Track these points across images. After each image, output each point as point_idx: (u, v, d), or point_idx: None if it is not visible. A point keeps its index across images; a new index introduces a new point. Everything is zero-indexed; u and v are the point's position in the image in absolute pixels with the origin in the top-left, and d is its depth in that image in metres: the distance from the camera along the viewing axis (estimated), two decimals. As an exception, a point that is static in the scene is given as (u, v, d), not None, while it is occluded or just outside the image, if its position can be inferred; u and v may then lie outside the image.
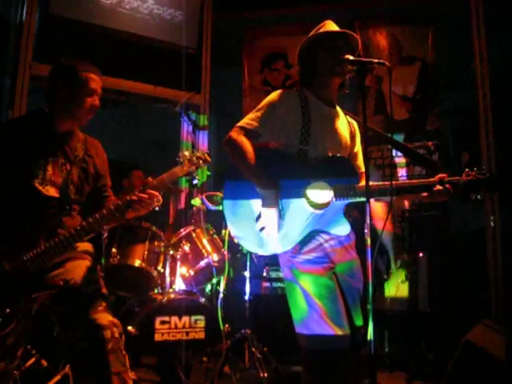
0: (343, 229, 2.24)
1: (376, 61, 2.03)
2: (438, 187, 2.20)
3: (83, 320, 2.09)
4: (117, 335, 2.12)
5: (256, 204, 2.22)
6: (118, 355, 2.10)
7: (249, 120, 2.32)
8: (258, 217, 2.18)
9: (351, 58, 2.13)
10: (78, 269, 2.23)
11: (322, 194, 2.19)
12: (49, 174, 2.23)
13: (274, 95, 2.36)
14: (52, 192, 2.23)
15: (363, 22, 5.43)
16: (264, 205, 2.17)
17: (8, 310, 2.05)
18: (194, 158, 2.38)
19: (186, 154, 2.40)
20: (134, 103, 5.24)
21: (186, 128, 5.35)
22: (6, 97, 4.28)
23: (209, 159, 2.42)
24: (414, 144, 5.03)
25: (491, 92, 4.73)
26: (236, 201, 2.26)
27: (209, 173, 4.74)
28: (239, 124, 2.32)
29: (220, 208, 2.34)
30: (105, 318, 2.12)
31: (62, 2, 4.43)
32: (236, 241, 2.29)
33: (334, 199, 2.18)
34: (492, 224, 4.58)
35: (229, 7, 5.49)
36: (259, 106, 2.35)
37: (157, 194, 2.28)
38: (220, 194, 2.50)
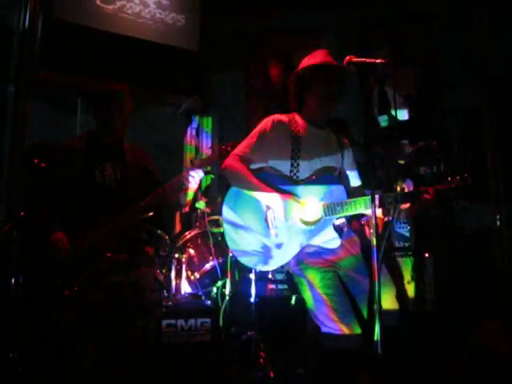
0: (333, 242, 2.40)
1: (378, 61, 2.05)
2: (425, 196, 2.29)
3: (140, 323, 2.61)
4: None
5: (254, 221, 2.39)
6: None
7: (242, 148, 2.51)
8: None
9: (354, 59, 2.16)
10: (149, 275, 2.82)
11: (312, 211, 2.30)
12: (107, 174, 2.77)
13: (264, 123, 2.56)
14: (111, 184, 2.77)
15: (364, 22, 5.43)
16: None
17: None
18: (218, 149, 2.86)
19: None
20: (137, 107, 5.25)
21: (189, 131, 5.37)
22: (10, 103, 4.30)
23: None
24: (418, 144, 5.02)
25: (495, 90, 4.73)
26: (235, 220, 2.41)
27: (213, 176, 4.74)
28: (234, 152, 2.52)
29: (221, 230, 2.57)
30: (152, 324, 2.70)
31: (65, 8, 4.45)
32: (241, 261, 2.43)
33: (323, 216, 2.27)
34: (498, 223, 4.57)
35: (231, 10, 5.50)
36: (251, 134, 2.57)
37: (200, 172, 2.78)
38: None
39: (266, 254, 2.36)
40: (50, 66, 4.35)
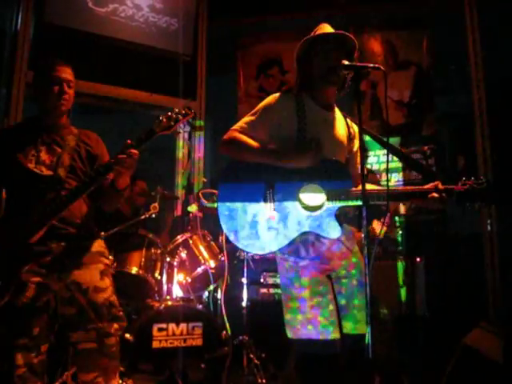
0: (334, 232, 2.23)
1: (371, 65, 2.03)
2: (434, 195, 2.21)
3: (93, 326, 2.32)
4: (117, 340, 2.41)
5: (253, 206, 2.24)
6: (117, 360, 2.41)
7: (243, 123, 2.34)
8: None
9: (346, 62, 2.13)
10: (93, 274, 2.42)
11: (314, 196, 2.21)
12: (41, 159, 2.42)
13: (270, 99, 2.38)
14: (45, 171, 2.40)
15: (358, 28, 5.45)
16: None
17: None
18: (173, 114, 2.45)
19: (169, 113, 2.46)
20: (130, 110, 5.24)
21: (181, 135, 5.36)
22: (1, 105, 4.28)
23: (189, 112, 2.48)
24: (410, 149, 5.05)
25: (486, 96, 4.76)
26: (232, 205, 2.27)
27: (205, 179, 4.75)
28: (234, 127, 2.34)
29: (215, 205, 2.36)
30: (112, 327, 2.39)
31: (57, 11, 4.44)
32: (232, 240, 2.28)
33: (326, 202, 2.20)
34: (489, 228, 4.59)
35: (224, 14, 5.52)
36: (255, 110, 2.37)
37: (135, 152, 2.36)
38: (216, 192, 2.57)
39: (262, 237, 2.22)
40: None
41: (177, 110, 2.47)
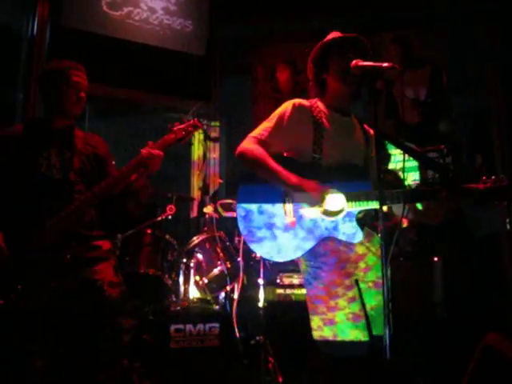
0: (355, 236, 2.23)
1: (386, 64, 2.02)
2: (444, 194, 2.19)
3: (110, 322, 2.31)
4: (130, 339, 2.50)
5: (271, 208, 2.24)
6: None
7: (261, 130, 2.35)
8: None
9: (360, 63, 2.13)
10: (106, 270, 2.44)
11: (334, 201, 2.20)
12: (52, 162, 2.45)
13: (285, 106, 2.39)
14: (56, 174, 2.44)
15: (373, 27, 5.42)
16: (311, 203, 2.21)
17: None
18: (184, 126, 2.60)
19: (178, 123, 2.61)
20: (144, 113, 5.27)
21: (197, 137, 5.38)
22: (19, 110, 4.33)
23: (199, 124, 2.64)
24: (427, 147, 5.00)
25: (504, 93, 4.70)
26: (250, 207, 2.27)
27: (221, 181, 4.76)
28: (251, 134, 2.36)
29: (234, 214, 2.38)
30: (127, 322, 2.41)
31: (72, 15, 4.49)
32: (251, 247, 2.29)
33: (346, 206, 2.19)
34: (508, 227, 4.53)
35: (238, 16, 5.52)
36: (271, 117, 2.38)
37: (161, 153, 2.48)
38: (233, 202, 2.54)
39: (281, 243, 2.23)
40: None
41: (189, 123, 2.60)
